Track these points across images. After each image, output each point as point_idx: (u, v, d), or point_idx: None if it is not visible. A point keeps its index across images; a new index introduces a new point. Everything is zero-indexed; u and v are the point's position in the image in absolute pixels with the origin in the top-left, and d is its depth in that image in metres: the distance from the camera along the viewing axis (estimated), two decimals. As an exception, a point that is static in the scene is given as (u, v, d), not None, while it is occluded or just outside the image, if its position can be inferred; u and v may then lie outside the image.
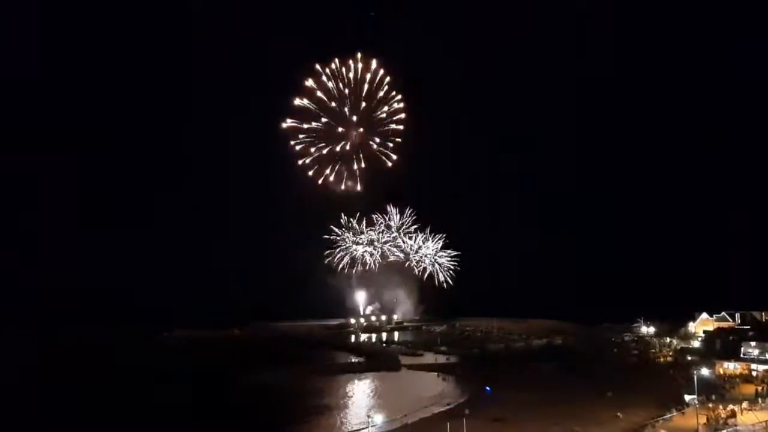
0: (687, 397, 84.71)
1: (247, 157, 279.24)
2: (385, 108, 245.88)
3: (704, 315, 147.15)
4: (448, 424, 71.31)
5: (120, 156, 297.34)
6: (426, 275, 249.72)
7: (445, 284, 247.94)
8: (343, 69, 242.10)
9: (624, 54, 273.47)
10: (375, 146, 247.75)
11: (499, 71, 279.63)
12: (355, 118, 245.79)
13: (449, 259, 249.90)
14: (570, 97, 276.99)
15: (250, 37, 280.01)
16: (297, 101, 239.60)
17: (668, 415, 78.68)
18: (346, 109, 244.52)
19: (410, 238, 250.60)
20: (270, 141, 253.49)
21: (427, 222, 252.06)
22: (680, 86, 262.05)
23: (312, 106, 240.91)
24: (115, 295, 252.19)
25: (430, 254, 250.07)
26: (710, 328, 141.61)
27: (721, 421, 73.95)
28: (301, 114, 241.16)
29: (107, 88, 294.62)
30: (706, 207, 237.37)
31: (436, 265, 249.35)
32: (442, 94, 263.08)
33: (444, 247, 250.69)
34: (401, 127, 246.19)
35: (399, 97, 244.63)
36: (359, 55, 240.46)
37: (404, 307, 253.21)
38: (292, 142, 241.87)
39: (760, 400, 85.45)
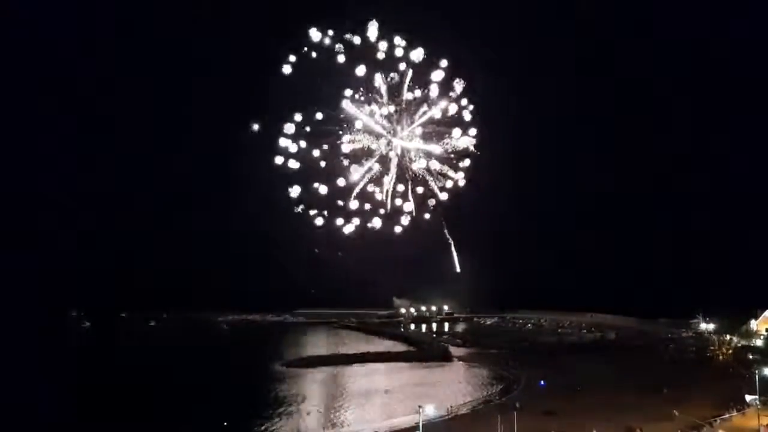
0: (748, 397, 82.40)
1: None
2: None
3: (767, 312, 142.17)
4: (499, 416, 71.44)
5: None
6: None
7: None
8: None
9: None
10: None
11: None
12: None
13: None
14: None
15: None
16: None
17: (727, 415, 76.84)
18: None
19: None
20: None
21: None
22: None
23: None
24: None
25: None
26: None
27: (784, 423, 71.73)
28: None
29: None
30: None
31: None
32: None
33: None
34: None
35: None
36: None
37: (455, 298, 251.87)
38: None
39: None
